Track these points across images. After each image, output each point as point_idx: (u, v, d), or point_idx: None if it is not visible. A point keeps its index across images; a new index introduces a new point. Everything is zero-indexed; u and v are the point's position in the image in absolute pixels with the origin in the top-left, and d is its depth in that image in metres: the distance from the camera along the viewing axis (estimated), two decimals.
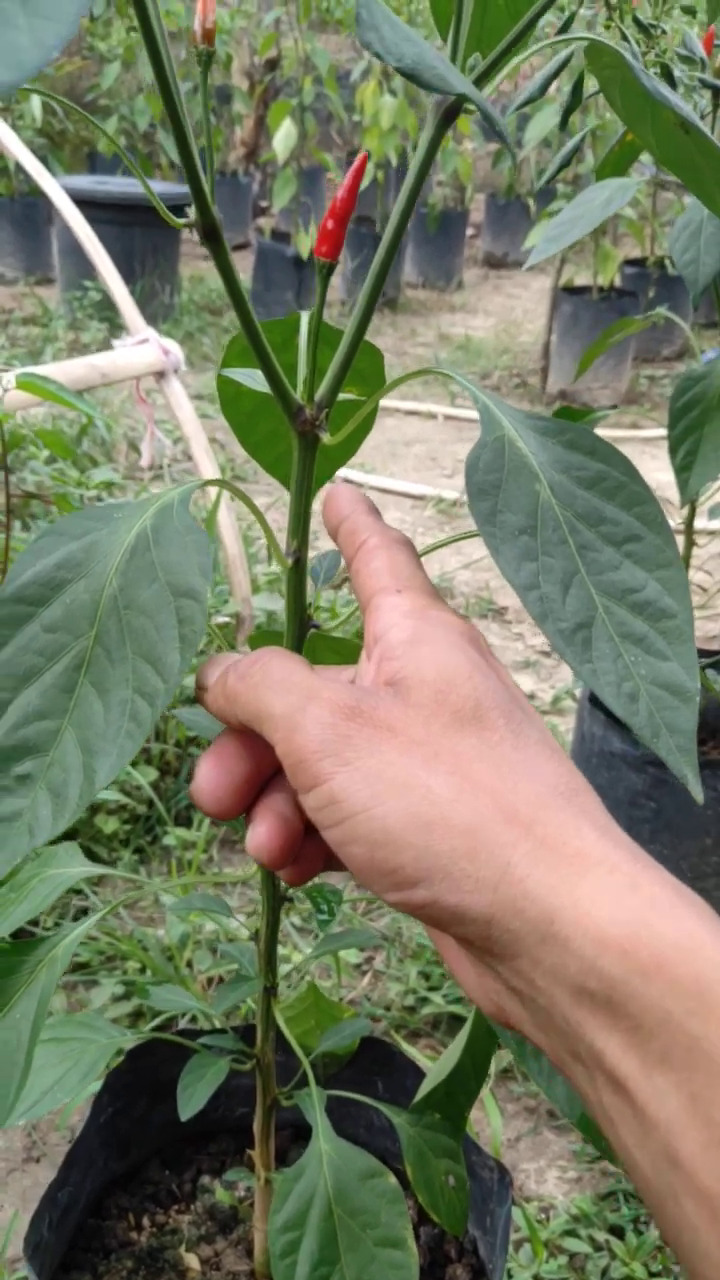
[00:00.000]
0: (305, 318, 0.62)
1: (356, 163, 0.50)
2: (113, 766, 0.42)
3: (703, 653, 1.58)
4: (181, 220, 0.50)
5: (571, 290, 3.98)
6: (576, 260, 4.78)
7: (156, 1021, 1.27)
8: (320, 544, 2.60)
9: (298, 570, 0.58)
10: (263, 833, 0.42)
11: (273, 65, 5.23)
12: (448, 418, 3.74)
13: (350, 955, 1.46)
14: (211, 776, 0.43)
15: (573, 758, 1.56)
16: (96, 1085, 0.91)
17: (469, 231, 6.00)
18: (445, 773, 0.35)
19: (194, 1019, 1.24)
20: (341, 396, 0.60)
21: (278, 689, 0.39)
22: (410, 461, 3.36)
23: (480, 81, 0.50)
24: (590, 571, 0.45)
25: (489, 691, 0.37)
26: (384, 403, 3.80)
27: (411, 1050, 1.32)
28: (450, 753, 0.35)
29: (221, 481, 0.51)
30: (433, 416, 3.73)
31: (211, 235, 0.49)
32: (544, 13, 0.45)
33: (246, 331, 0.52)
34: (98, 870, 0.67)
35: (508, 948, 0.33)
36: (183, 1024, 1.26)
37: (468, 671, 0.38)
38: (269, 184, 5.88)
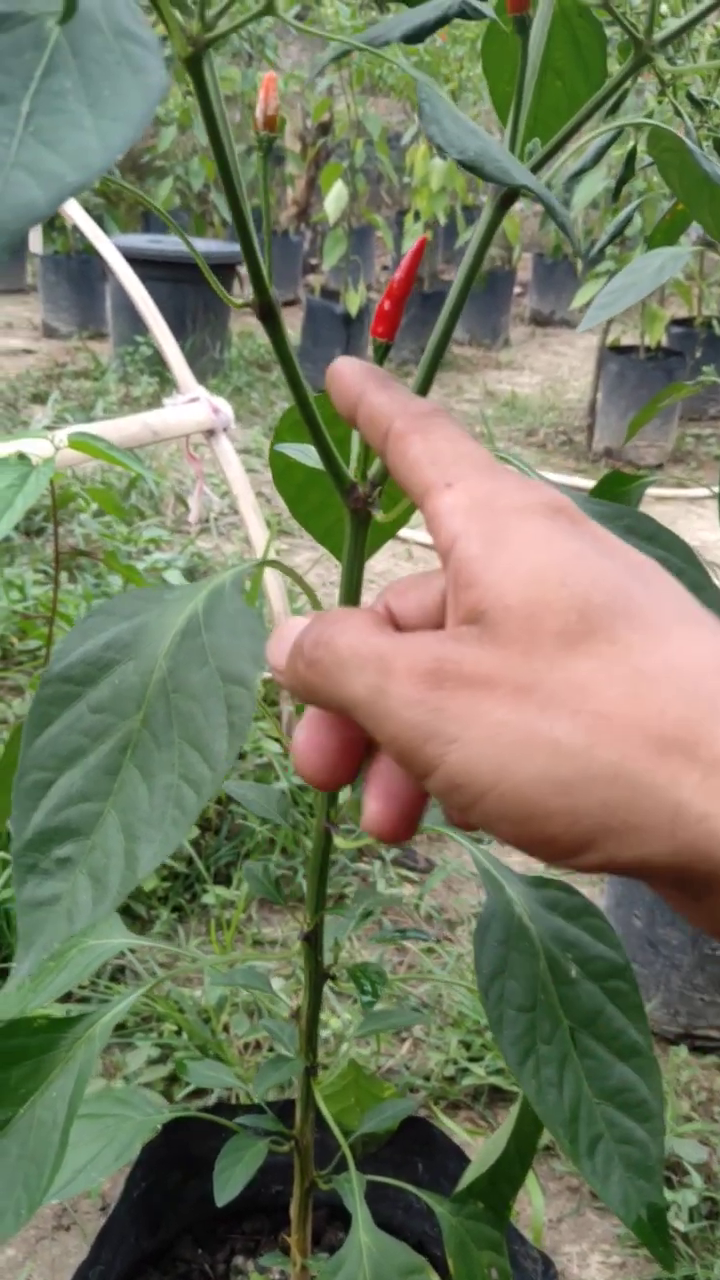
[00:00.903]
0: None
1: (415, 246, 0.50)
2: (156, 854, 0.42)
3: None
4: (239, 301, 0.50)
5: (618, 349, 3.99)
6: (624, 320, 4.80)
7: (190, 1089, 1.25)
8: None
9: None
10: (376, 811, 0.35)
11: (325, 129, 5.33)
12: None
13: None
14: (308, 749, 0.37)
15: None
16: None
17: (516, 290, 6.05)
18: (569, 716, 0.28)
19: (233, 1092, 1.22)
20: None
21: (351, 669, 0.32)
22: None
23: (538, 168, 0.51)
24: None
25: (593, 585, 0.30)
26: None
27: (451, 1123, 1.29)
28: (568, 688, 0.29)
29: (273, 562, 0.51)
30: None
31: (268, 315, 0.49)
32: (601, 106, 0.45)
33: (301, 409, 0.52)
34: (137, 941, 0.67)
35: (711, 887, 0.28)
36: (216, 1095, 1.24)
37: (559, 571, 0.30)
38: (319, 242, 5.98)
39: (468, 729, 0.29)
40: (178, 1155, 0.83)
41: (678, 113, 0.98)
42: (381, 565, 2.96)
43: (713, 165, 0.54)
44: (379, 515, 0.54)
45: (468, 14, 0.49)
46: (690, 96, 1.00)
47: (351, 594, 0.57)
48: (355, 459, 0.55)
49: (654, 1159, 0.46)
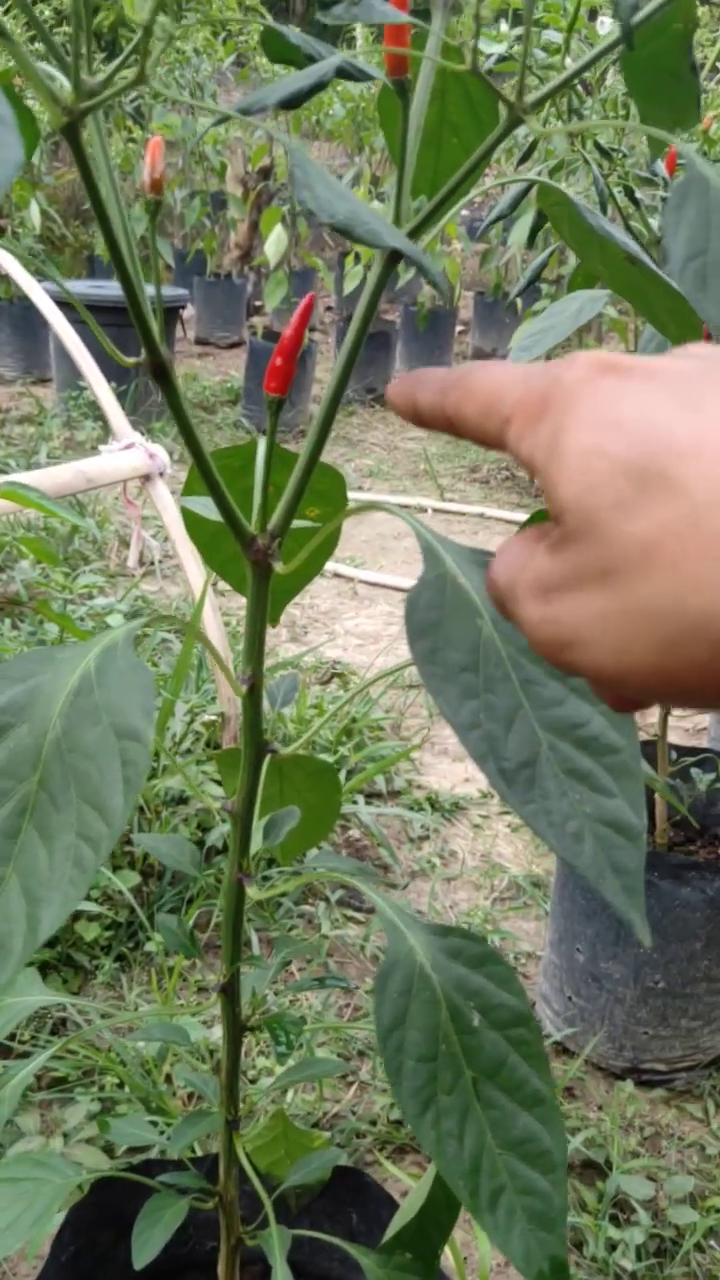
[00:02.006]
0: (262, 444, 0.62)
1: (302, 304, 0.51)
2: (56, 916, 0.41)
3: (684, 749, 1.57)
4: (131, 360, 0.50)
5: None
6: (563, 355, 4.87)
7: (129, 1144, 1.23)
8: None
9: (253, 697, 0.58)
10: None
11: (265, 173, 5.39)
12: (437, 511, 3.78)
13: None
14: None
15: (559, 859, 1.54)
16: (59, 1218, 0.88)
17: (458, 328, 6.13)
18: (648, 581, 0.28)
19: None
20: (299, 523, 0.61)
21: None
22: (400, 555, 3.38)
23: (425, 224, 0.52)
24: (534, 707, 0.45)
25: (632, 439, 0.29)
26: (374, 497, 3.84)
27: (396, 1170, 1.28)
28: (640, 555, 0.28)
29: (170, 618, 0.51)
30: (423, 511, 3.77)
31: (160, 374, 0.49)
32: (480, 166, 0.46)
33: (198, 464, 0.52)
34: (55, 999, 0.66)
35: None
36: (156, 1149, 1.22)
37: (598, 443, 0.29)
38: (262, 285, 6.03)
39: (579, 632, 0.29)
40: (108, 1215, 0.82)
41: (587, 162, 1.01)
42: (327, 604, 2.97)
43: (597, 219, 0.55)
44: (279, 567, 0.55)
45: (350, 75, 0.50)
46: (598, 145, 1.02)
47: (255, 644, 0.57)
48: (256, 511, 0.56)
49: (556, 1210, 0.46)
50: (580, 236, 0.61)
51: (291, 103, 0.44)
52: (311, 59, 0.50)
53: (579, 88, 1.08)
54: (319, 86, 0.45)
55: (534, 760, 0.43)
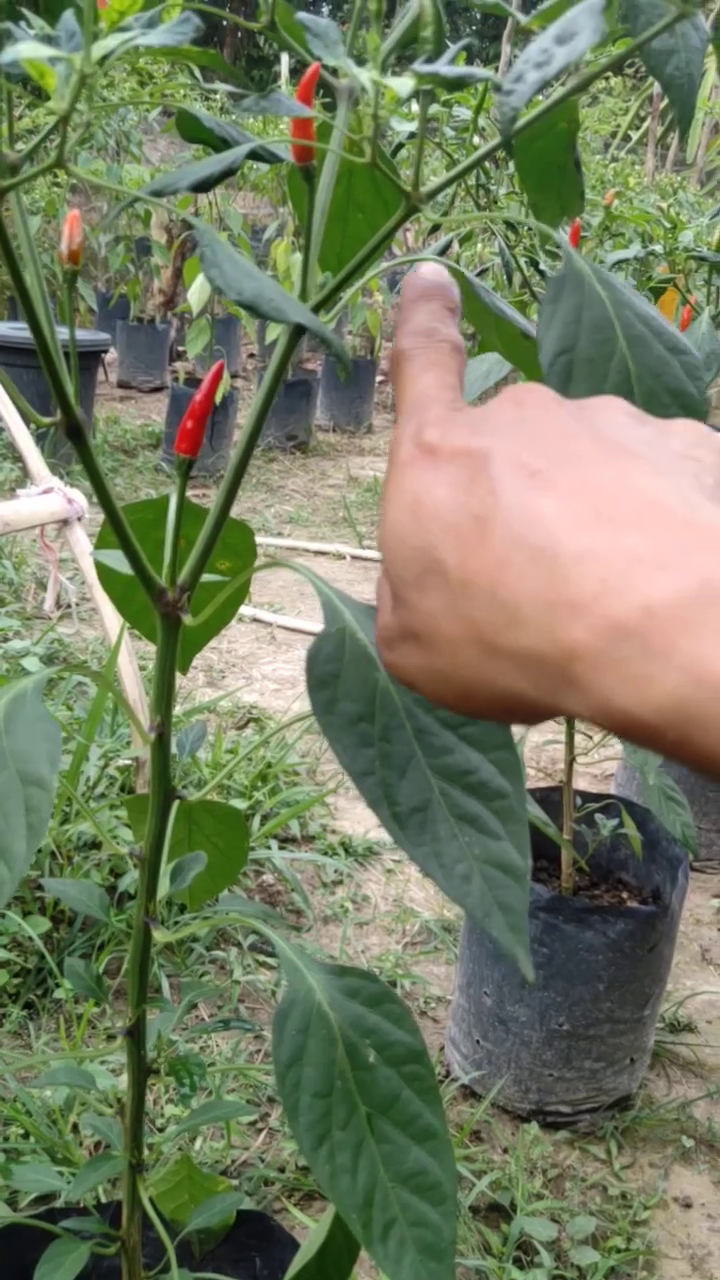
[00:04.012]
0: (173, 500, 0.65)
1: (213, 370, 0.54)
2: None
3: (590, 795, 1.61)
4: (47, 419, 0.52)
5: None
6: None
7: (33, 1190, 1.22)
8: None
9: (161, 745, 0.59)
10: None
11: (188, 223, 5.45)
12: (355, 558, 3.82)
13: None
14: None
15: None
16: None
17: (378, 378, 6.23)
18: (427, 651, 0.34)
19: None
20: (208, 576, 0.63)
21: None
22: (317, 601, 3.41)
23: (330, 297, 0.55)
24: (427, 755, 0.47)
25: (423, 531, 0.33)
26: (293, 543, 3.87)
27: (304, 1216, 1.28)
28: (424, 624, 0.33)
29: (81, 666, 0.52)
30: (341, 557, 3.81)
31: (74, 434, 0.51)
32: (381, 247, 0.49)
33: (109, 518, 0.54)
34: None
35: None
36: (63, 1199, 1.21)
37: (399, 528, 0.33)
38: (186, 330, 6.07)
39: (413, 675, 0.34)
40: (12, 1264, 0.81)
41: (492, 233, 1.06)
42: (245, 649, 2.98)
43: (490, 296, 0.59)
44: (188, 619, 0.57)
45: (262, 157, 0.53)
46: (506, 221, 1.08)
47: (163, 693, 0.59)
48: (166, 565, 0.58)
49: (446, 1241, 0.47)
50: (476, 311, 0.65)
51: (203, 186, 0.47)
52: (226, 143, 0.53)
53: (487, 164, 1.13)
54: (230, 172, 0.48)
55: (426, 805, 0.46)
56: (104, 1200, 0.98)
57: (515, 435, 0.32)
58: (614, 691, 0.27)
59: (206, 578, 0.59)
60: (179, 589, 0.56)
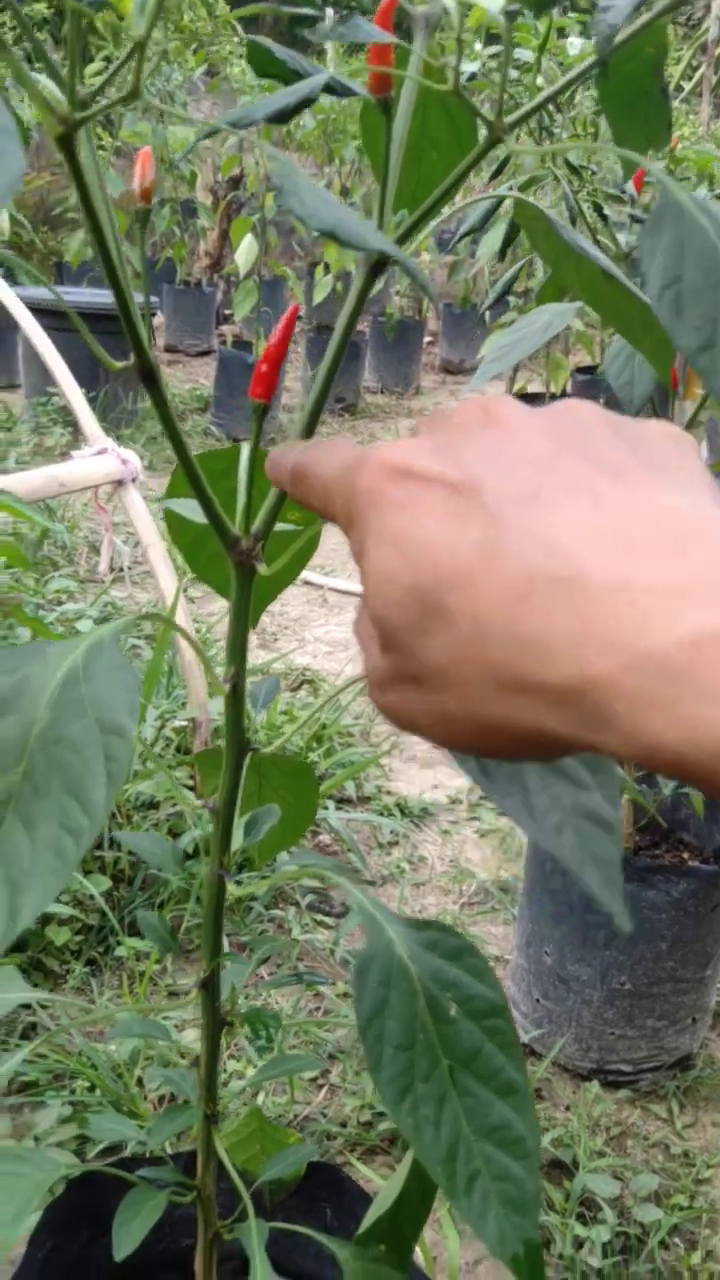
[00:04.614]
0: (246, 449, 0.64)
1: (287, 314, 0.53)
2: (36, 904, 0.42)
3: None
4: (120, 364, 0.52)
5: (525, 396, 4.09)
6: (530, 367, 4.92)
7: (102, 1146, 1.23)
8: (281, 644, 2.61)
9: (235, 696, 0.59)
10: None
11: (236, 183, 5.41)
12: None
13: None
14: None
15: (528, 862, 1.56)
16: (35, 1217, 0.88)
17: (427, 339, 6.17)
18: (430, 695, 0.31)
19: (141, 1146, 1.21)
20: (280, 526, 0.62)
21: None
22: None
23: (408, 235, 0.53)
24: None
25: (416, 568, 0.30)
26: None
27: (367, 1170, 1.29)
28: (427, 671, 0.31)
29: (157, 616, 0.52)
30: None
31: (148, 378, 0.50)
32: (460, 182, 0.48)
33: (184, 466, 0.53)
34: (35, 995, 0.66)
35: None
36: (130, 1150, 1.23)
37: (387, 570, 0.31)
38: (232, 293, 6.04)
39: (413, 719, 0.32)
40: (84, 1214, 0.82)
41: (557, 179, 1.03)
42: (296, 611, 2.98)
43: (572, 234, 0.57)
44: (262, 568, 0.56)
45: (336, 90, 0.51)
46: (568, 163, 1.05)
47: (238, 644, 0.58)
48: (240, 514, 0.57)
49: (530, 1195, 0.47)
50: (556, 251, 0.63)
51: (280, 118, 0.45)
52: (298, 75, 0.52)
53: (550, 106, 1.10)
54: (307, 102, 0.46)
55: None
56: (171, 1152, 0.99)
57: (498, 454, 0.30)
58: (660, 732, 0.26)
59: (279, 527, 0.58)
60: (253, 538, 0.55)
